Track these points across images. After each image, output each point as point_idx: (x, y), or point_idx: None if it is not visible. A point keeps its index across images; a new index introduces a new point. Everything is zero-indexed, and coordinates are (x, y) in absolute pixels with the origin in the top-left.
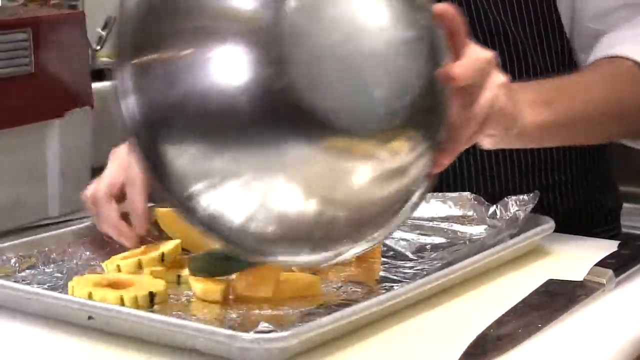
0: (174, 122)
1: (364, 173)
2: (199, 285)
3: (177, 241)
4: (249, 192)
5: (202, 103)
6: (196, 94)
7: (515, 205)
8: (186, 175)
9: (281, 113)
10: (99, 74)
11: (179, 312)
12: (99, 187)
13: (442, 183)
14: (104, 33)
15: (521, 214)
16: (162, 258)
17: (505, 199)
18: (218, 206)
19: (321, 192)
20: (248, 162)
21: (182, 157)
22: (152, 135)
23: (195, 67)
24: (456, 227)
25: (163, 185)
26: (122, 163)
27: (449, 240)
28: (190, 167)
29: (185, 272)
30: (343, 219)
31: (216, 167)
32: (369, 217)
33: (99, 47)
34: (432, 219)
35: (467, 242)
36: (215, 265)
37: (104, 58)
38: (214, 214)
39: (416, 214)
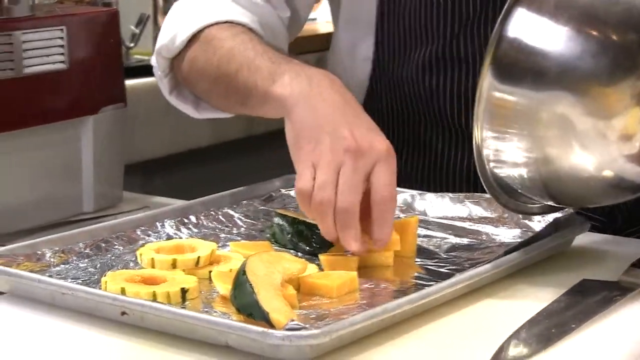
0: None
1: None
2: (223, 285)
3: (213, 245)
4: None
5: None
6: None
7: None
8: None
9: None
10: (132, 71)
11: (211, 309)
12: (350, 199)
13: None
14: (137, 30)
15: (559, 218)
16: (197, 263)
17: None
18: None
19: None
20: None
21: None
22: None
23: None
24: (489, 229)
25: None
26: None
27: (481, 242)
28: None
29: (217, 268)
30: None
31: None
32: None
33: (132, 45)
34: (465, 220)
35: (501, 245)
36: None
37: (137, 55)
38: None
39: (450, 214)
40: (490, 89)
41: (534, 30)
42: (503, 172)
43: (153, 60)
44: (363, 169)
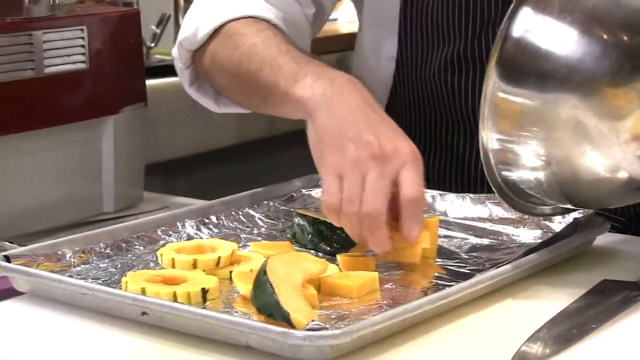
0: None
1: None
2: (243, 286)
3: (233, 245)
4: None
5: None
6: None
7: (576, 212)
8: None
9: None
10: (153, 71)
11: (231, 309)
12: (376, 205)
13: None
14: (158, 30)
15: (579, 219)
16: (218, 263)
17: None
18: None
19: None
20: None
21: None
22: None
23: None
24: (509, 229)
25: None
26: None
27: (502, 243)
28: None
29: (238, 268)
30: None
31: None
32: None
33: (153, 45)
34: (486, 221)
35: (521, 246)
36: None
37: (158, 55)
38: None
39: (471, 215)
40: (495, 89)
41: (538, 31)
42: (511, 173)
43: (174, 52)
44: (389, 174)
